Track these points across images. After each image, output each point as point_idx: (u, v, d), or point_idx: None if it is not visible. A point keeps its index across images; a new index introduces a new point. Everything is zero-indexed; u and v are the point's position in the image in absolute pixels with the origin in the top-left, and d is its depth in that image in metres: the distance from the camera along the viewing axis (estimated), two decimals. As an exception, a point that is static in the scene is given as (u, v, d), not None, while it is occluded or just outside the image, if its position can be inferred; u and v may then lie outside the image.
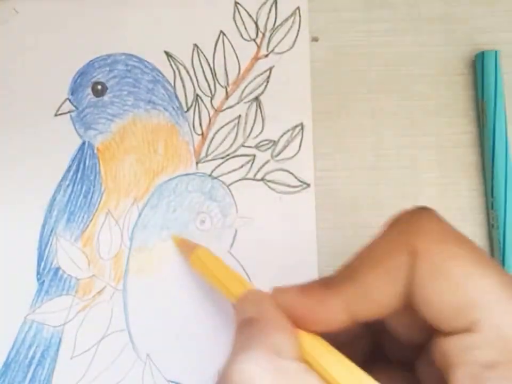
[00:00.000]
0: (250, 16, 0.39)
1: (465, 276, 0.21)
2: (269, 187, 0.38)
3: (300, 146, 0.38)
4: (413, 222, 0.23)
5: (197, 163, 0.38)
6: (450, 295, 0.21)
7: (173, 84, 0.39)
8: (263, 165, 0.38)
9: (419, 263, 0.22)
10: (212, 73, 0.39)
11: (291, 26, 0.39)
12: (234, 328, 0.24)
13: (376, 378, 0.22)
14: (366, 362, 0.23)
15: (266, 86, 0.38)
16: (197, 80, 0.39)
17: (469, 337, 0.21)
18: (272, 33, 0.39)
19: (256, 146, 0.38)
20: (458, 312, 0.21)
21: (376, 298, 0.22)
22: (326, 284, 0.24)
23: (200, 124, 0.38)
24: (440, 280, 0.21)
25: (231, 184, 0.38)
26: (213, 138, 0.38)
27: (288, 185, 0.38)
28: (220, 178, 0.38)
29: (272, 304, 0.25)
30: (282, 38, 0.39)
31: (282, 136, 0.38)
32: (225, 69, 0.39)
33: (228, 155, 0.38)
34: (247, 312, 0.25)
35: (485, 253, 0.24)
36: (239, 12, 0.39)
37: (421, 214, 0.23)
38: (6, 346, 0.37)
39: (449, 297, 0.21)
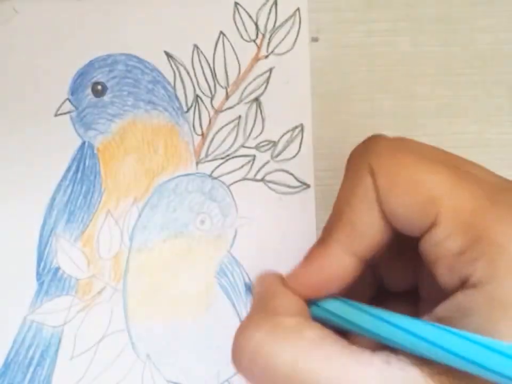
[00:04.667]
0: (250, 16, 0.39)
1: (417, 179, 0.22)
2: (269, 187, 0.38)
3: (299, 146, 0.38)
4: (367, 145, 0.25)
5: (197, 163, 0.38)
6: (409, 200, 0.22)
7: (173, 84, 0.39)
8: (263, 166, 0.38)
9: (378, 181, 0.23)
10: (212, 74, 0.39)
11: (291, 27, 0.39)
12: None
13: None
14: (374, 299, 0.26)
15: (266, 86, 0.38)
16: (197, 81, 0.39)
17: (435, 231, 0.22)
18: (272, 34, 0.39)
19: (256, 147, 0.38)
20: (420, 212, 0.22)
21: (364, 230, 0.23)
22: (321, 241, 0.25)
23: (200, 124, 0.38)
24: (397, 190, 0.22)
25: (231, 184, 0.38)
26: (213, 138, 0.38)
27: (288, 186, 0.38)
28: (220, 178, 0.38)
29: (276, 279, 0.26)
30: (282, 39, 0.39)
31: (282, 136, 0.38)
32: (225, 70, 0.39)
33: (228, 155, 0.38)
34: (256, 289, 0.26)
35: (438, 150, 0.24)
36: (239, 12, 0.39)
37: (373, 137, 0.25)
38: (5, 347, 0.37)
39: (409, 202, 0.22)
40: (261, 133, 0.38)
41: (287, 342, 0.22)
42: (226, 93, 0.39)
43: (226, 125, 0.38)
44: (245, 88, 0.39)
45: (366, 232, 0.23)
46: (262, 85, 0.39)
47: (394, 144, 0.25)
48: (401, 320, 0.22)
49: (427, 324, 0.21)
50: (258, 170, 0.38)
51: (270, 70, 0.39)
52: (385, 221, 0.23)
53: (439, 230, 0.21)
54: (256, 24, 0.39)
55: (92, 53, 0.39)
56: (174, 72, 0.39)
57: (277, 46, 0.39)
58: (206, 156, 0.38)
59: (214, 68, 0.39)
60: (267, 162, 0.38)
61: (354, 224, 0.24)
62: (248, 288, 0.36)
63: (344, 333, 0.24)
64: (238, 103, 0.39)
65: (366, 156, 0.24)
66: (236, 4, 0.39)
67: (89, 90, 0.39)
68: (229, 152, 0.38)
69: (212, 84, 0.39)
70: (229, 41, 0.39)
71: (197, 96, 0.39)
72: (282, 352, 0.21)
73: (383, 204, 0.23)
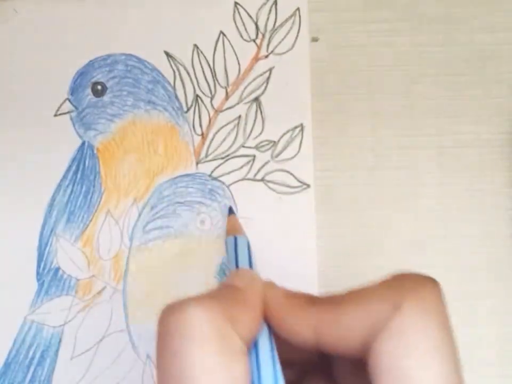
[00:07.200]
0: (250, 16, 0.39)
1: (416, 367, 0.20)
2: (269, 187, 0.38)
3: (299, 146, 0.38)
4: (418, 285, 0.22)
5: (197, 163, 0.38)
6: (395, 368, 0.21)
7: (173, 84, 0.39)
8: (263, 166, 0.38)
9: (394, 321, 0.21)
10: (212, 74, 0.39)
11: (291, 27, 0.39)
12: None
13: None
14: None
15: (266, 86, 0.38)
16: (197, 81, 0.39)
17: None
18: (272, 34, 0.39)
19: (256, 147, 0.38)
20: None
21: (344, 333, 0.22)
22: (311, 301, 0.24)
23: (200, 124, 0.38)
24: (397, 351, 0.21)
25: (231, 184, 0.38)
26: (213, 138, 0.38)
27: (288, 186, 0.38)
28: (220, 178, 0.38)
29: (260, 287, 0.25)
30: (282, 39, 0.39)
31: (282, 136, 0.38)
32: (225, 70, 0.39)
33: (227, 155, 0.38)
34: (235, 281, 0.25)
35: (453, 358, 0.22)
36: (239, 12, 0.39)
37: (427, 284, 0.23)
38: (6, 347, 0.37)
39: (393, 370, 0.21)
40: (261, 133, 0.38)
41: (217, 360, 0.20)
42: (226, 93, 0.39)
43: (226, 125, 0.38)
44: (245, 88, 0.39)
45: (342, 339, 0.23)
46: (262, 85, 0.39)
47: (436, 313, 0.23)
48: None
49: None
50: (258, 170, 0.38)
51: (270, 70, 0.39)
52: (362, 351, 0.23)
53: None
54: (256, 24, 0.39)
55: (92, 53, 0.39)
56: (174, 72, 0.39)
57: (277, 46, 0.39)
58: (206, 155, 0.38)
59: (214, 68, 0.39)
60: (267, 162, 0.38)
61: (342, 324, 0.23)
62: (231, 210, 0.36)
63: None
64: (238, 103, 0.39)
65: (408, 295, 0.23)
66: (236, 3, 0.39)
67: (89, 90, 0.39)
68: (228, 152, 0.38)
69: (211, 83, 0.39)
70: (229, 41, 0.39)
71: (197, 96, 0.39)
72: (201, 360, 0.20)
73: (376, 340, 0.22)
